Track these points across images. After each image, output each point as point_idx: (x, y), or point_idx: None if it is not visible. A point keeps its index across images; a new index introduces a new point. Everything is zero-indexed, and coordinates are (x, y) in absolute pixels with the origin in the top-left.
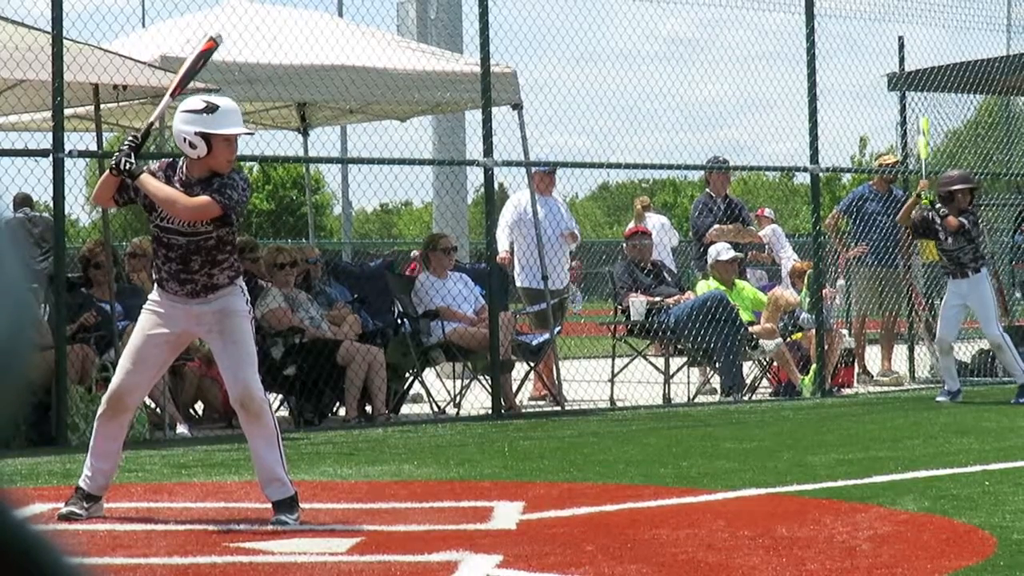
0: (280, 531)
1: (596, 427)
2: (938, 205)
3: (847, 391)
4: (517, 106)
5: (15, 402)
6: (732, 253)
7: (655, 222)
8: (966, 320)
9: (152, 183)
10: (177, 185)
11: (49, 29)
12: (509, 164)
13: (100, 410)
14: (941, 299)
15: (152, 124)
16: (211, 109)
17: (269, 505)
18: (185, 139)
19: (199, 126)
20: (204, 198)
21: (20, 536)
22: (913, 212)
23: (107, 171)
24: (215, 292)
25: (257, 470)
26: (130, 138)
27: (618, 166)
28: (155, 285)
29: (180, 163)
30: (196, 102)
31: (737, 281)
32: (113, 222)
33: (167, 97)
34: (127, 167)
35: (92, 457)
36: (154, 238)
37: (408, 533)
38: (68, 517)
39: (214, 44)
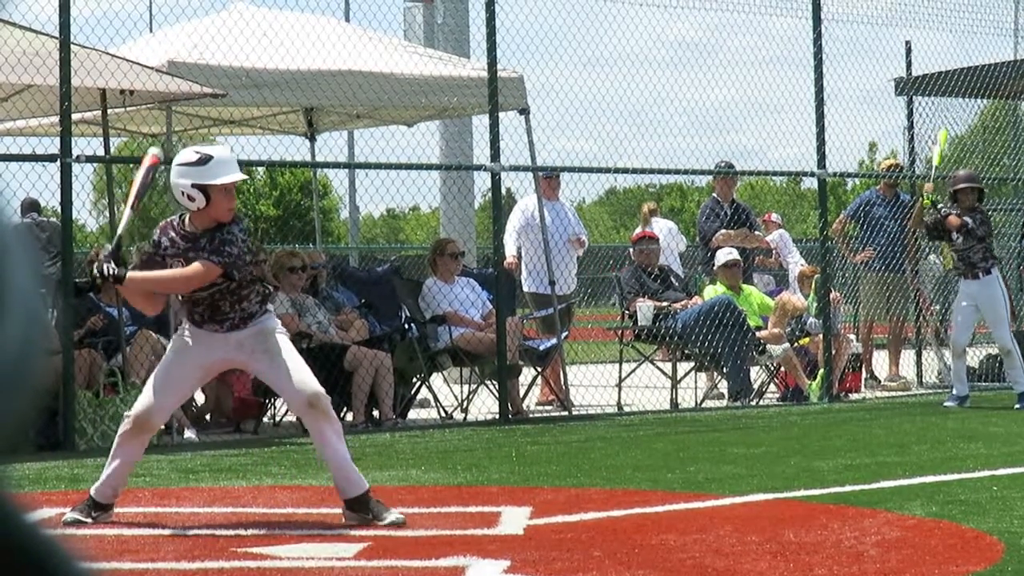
0: (287, 536)
1: (603, 432)
2: (941, 205)
3: (854, 396)
4: (524, 111)
5: (27, 408)
6: (729, 256)
7: (662, 227)
8: (978, 324)
9: (141, 277)
10: (180, 242)
11: (56, 34)
12: (516, 169)
13: (124, 427)
14: (949, 305)
15: (121, 236)
16: (204, 160)
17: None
18: (183, 193)
19: (194, 178)
20: (198, 266)
21: (31, 540)
22: (925, 215)
23: (97, 278)
24: (252, 319)
25: (333, 469)
26: (108, 249)
27: (625, 171)
28: (188, 321)
29: (178, 219)
30: (189, 154)
31: (744, 286)
32: None
33: (127, 211)
34: (111, 273)
35: (109, 471)
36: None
37: (415, 538)
38: (73, 524)
39: (159, 160)
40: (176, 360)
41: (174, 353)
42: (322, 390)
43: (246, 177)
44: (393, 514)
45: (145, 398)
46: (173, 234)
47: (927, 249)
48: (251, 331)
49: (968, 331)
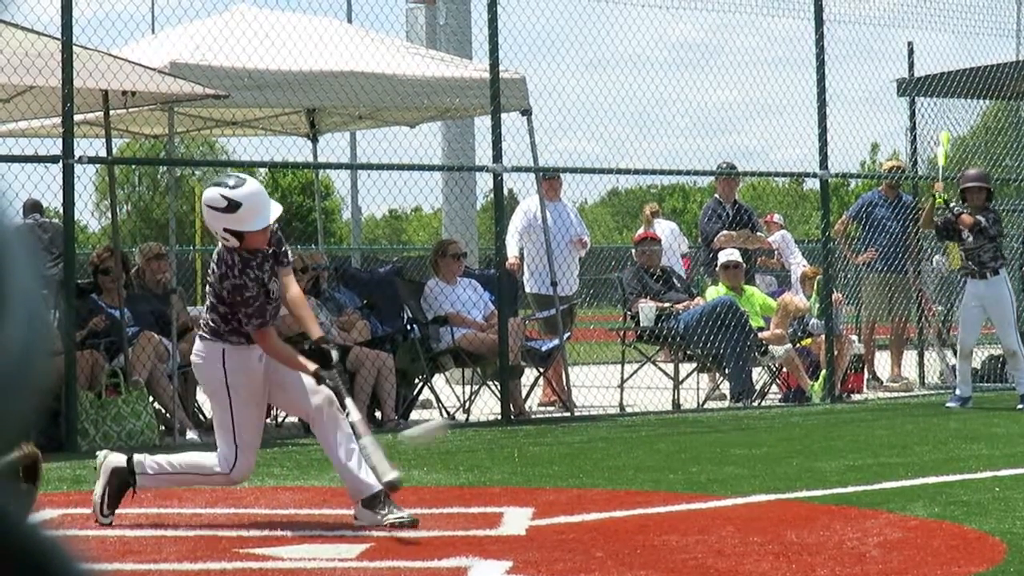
0: (290, 537)
1: (605, 433)
2: (952, 204)
3: (857, 397)
4: (526, 112)
5: (30, 410)
6: (728, 257)
7: (664, 228)
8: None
9: (311, 326)
10: (261, 264)
11: (58, 35)
12: (518, 170)
13: (217, 482)
14: (952, 305)
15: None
16: (234, 207)
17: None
18: (216, 232)
19: (225, 224)
20: (292, 279)
21: (32, 541)
22: (935, 215)
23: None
24: None
25: (340, 474)
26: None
27: (627, 172)
28: (242, 344)
29: (232, 251)
30: (218, 199)
31: (746, 287)
32: (123, 228)
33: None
34: (332, 360)
35: (166, 482)
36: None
37: (418, 539)
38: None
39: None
40: (254, 406)
41: (245, 403)
42: None
43: (281, 211)
44: (404, 513)
45: (243, 457)
46: (245, 266)
47: (930, 250)
48: None
49: (975, 332)
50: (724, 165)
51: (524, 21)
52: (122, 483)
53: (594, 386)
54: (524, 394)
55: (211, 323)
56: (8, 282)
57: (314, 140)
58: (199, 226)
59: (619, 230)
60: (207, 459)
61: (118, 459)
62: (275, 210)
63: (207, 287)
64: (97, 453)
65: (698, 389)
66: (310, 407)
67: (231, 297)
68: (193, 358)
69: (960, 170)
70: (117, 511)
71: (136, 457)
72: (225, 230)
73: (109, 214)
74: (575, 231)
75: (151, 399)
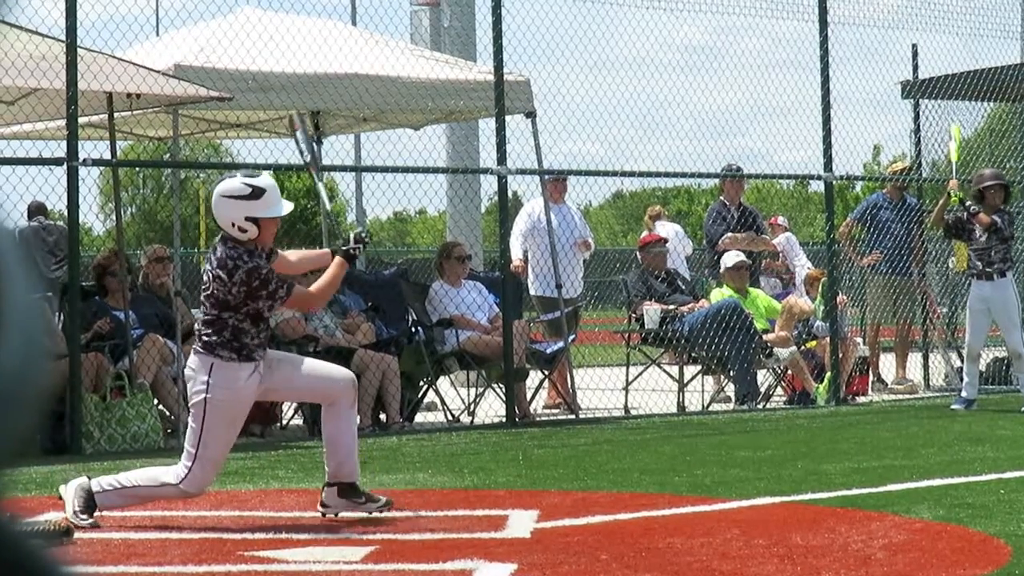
0: (294, 539)
1: (610, 435)
2: (968, 203)
3: (861, 399)
4: (531, 114)
5: (28, 423)
6: (736, 259)
7: (669, 230)
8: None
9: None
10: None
11: (63, 38)
12: (523, 172)
13: (175, 494)
14: (956, 308)
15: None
16: (258, 194)
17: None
18: (234, 223)
19: (247, 211)
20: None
21: (17, 547)
22: (945, 213)
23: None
24: None
25: (340, 453)
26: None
27: (632, 174)
28: (234, 359)
29: (241, 249)
30: (239, 187)
31: (751, 289)
32: (127, 231)
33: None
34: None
35: (129, 497)
36: (253, 321)
37: (422, 541)
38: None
39: None
40: (227, 425)
41: (219, 420)
42: None
43: (291, 206)
44: (382, 500)
45: (198, 469)
46: (250, 253)
47: (936, 252)
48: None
49: (983, 334)
50: (730, 167)
51: (528, 23)
52: (90, 497)
53: (599, 388)
54: (529, 397)
55: (204, 337)
56: (4, 296)
57: (319, 142)
58: (203, 228)
59: (624, 232)
60: (160, 470)
61: (80, 480)
62: (287, 204)
63: (206, 301)
64: (58, 490)
65: (703, 391)
66: (331, 390)
67: (248, 285)
68: (185, 371)
69: (967, 172)
70: (117, 513)
71: (92, 479)
72: (246, 219)
73: (113, 216)
74: (579, 233)
75: (156, 401)
